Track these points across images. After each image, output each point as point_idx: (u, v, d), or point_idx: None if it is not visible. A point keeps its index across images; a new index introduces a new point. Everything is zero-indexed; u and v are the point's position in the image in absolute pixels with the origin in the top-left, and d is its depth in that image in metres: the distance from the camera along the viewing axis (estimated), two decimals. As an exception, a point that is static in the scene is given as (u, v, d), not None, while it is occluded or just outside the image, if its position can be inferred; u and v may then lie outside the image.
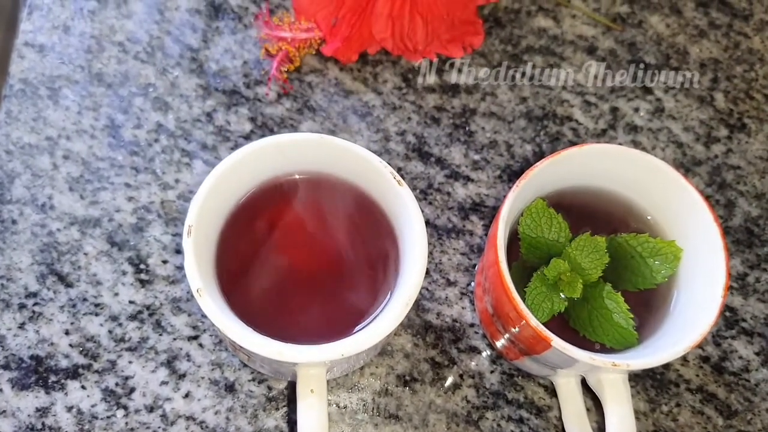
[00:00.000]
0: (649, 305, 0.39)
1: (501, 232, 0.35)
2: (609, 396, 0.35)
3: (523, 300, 0.37)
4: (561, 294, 0.38)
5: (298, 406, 0.33)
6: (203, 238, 0.34)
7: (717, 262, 0.36)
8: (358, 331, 0.35)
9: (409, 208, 0.35)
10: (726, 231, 0.48)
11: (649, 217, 0.40)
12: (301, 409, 0.33)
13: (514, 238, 0.40)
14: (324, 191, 0.38)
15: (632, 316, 0.37)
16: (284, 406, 0.41)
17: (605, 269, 0.38)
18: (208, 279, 0.34)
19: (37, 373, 0.41)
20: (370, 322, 0.35)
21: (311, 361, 0.32)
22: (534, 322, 0.34)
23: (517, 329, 0.37)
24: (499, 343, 0.42)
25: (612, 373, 0.35)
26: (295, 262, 0.37)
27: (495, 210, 0.48)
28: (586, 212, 0.41)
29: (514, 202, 0.36)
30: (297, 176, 0.38)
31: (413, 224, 0.35)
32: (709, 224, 0.37)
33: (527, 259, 0.39)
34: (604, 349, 0.38)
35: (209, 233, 0.35)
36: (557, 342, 0.33)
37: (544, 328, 0.34)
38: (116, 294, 0.43)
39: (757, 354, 0.45)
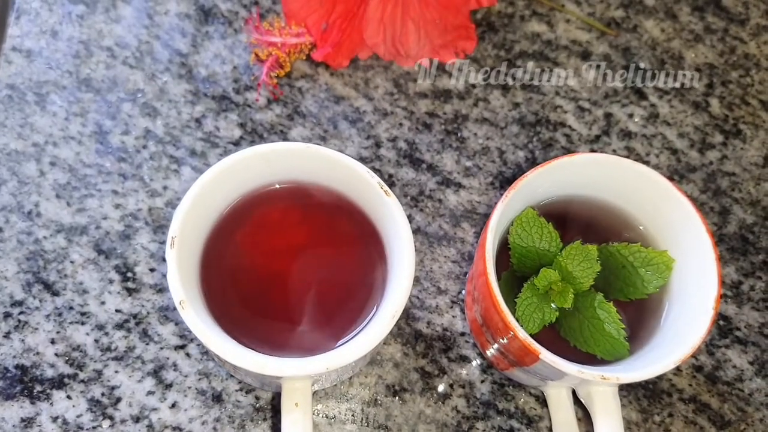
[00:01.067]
0: (640, 316, 0.38)
1: (489, 242, 0.35)
2: (599, 409, 0.34)
3: (514, 310, 0.37)
4: (552, 304, 0.37)
5: (283, 420, 0.32)
6: (187, 249, 0.34)
7: (709, 274, 0.35)
8: (344, 342, 0.34)
9: (396, 219, 0.35)
10: (720, 238, 0.48)
11: (641, 227, 0.40)
12: (286, 424, 0.32)
13: (504, 248, 0.39)
14: (311, 201, 0.38)
15: (624, 326, 0.36)
16: (272, 416, 0.41)
17: (596, 279, 0.37)
18: (192, 290, 0.34)
19: (22, 383, 0.41)
20: (357, 335, 0.35)
21: (296, 374, 0.31)
22: (522, 334, 0.34)
23: (505, 340, 0.36)
24: (489, 353, 0.41)
25: (602, 386, 0.34)
26: (281, 273, 0.37)
27: (487, 217, 0.47)
28: (578, 222, 0.40)
29: (503, 212, 0.36)
30: (283, 186, 0.37)
31: (401, 235, 0.34)
32: (702, 235, 0.36)
33: (518, 269, 0.39)
34: (595, 361, 0.37)
35: (193, 244, 0.35)
36: (546, 355, 0.33)
37: (533, 341, 0.33)
38: (103, 302, 0.43)
39: (751, 363, 0.45)
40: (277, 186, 0.37)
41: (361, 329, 0.35)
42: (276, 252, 0.37)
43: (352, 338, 0.34)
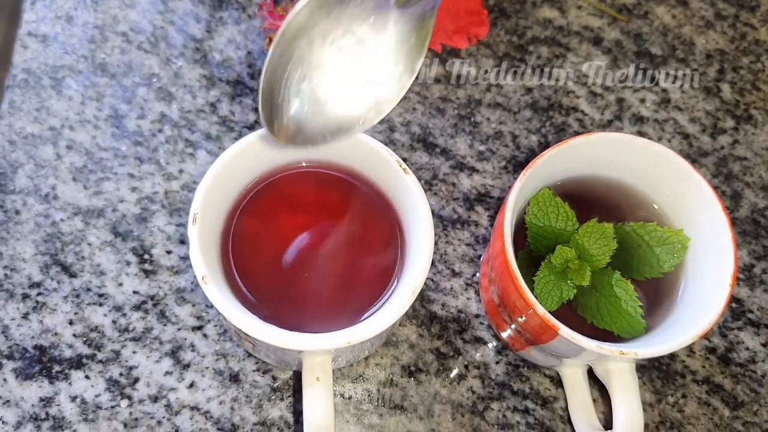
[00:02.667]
0: (656, 295, 0.39)
1: (507, 221, 0.35)
2: (616, 385, 0.34)
3: (531, 289, 0.37)
4: (569, 282, 0.38)
5: (304, 394, 0.33)
6: (208, 226, 0.34)
7: (725, 252, 0.36)
8: (364, 319, 0.35)
9: (414, 195, 0.35)
10: (732, 222, 0.48)
11: (656, 206, 0.40)
12: (307, 398, 0.32)
13: (520, 228, 0.39)
14: (330, 180, 0.38)
15: (641, 304, 0.37)
16: (289, 396, 0.41)
17: (612, 258, 0.38)
18: (213, 267, 0.34)
19: (41, 363, 0.41)
20: (377, 311, 0.35)
21: (316, 348, 0.32)
22: (541, 310, 0.34)
23: (523, 318, 0.36)
24: (505, 334, 0.41)
25: (620, 362, 0.35)
26: (301, 251, 0.37)
27: (500, 201, 0.47)
28: (593, 201, 0.40)
29: (520, 191, 0.36)
30: (303, 165, 0.38)
31: (419, 212, 0.35)
32: (717, 213, 0.36)
33: (534, 249, 0.39)
34: (612, 338, 0.37)
35: (215, 221, 0.35)
36: (564, 330, 0.33)
37: (552, 317, 0.34)
38: (120, 284, 0.43)
39: (764, 345, 0.45)
40: (298, 165, 0.38)
41: (381, 306, 0.35)
42: (296, 230, 0.37)
43: (372, 314, 0.35)
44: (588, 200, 0.40)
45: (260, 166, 0.37)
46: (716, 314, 0.34)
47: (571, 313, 0.38)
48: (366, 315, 0.35)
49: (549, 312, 0.37)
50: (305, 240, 0.37)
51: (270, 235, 0.37)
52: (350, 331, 0.32)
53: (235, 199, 0.36)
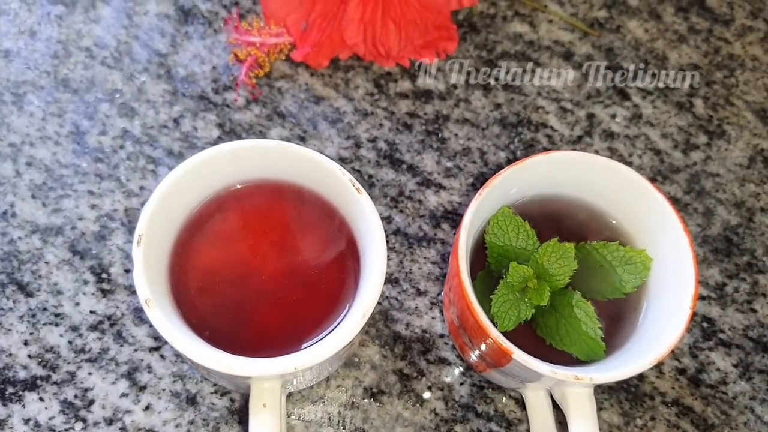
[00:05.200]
0: (618, 316, 0.38)
1: (462, 241, 0.34)
2: (573, 410, 0.34)
3: (490, 308, 0.36)
4: (527, 301, 0.37)
5: (250, 421, 0.32)
6: (156, 247, 0.33)
7: (686, 272, 0.35)
8: (316, 343, 0.34)
9: (368, 216, 0.34)
10: (704, 240, 0.47)
11: (617, 225, 0.39)
12: (253, 426, 0.32)
13: (482, 248, 0.39)
14: (283, 199, 0.37)
15: (600, 325, 0.36)
16: (247, 419, 0.40)
17: (573, 278, 0.37)
18: (160, 289, 0.33)
19: (-6, 384, 0.40)
20: (328, 335, 0.34)
21: (263, 374, 0.31)
22: (495, 333, 0.33)
23: (481, 341, 0.36)
24: (468, 355, 0.41)
25: (576, 387, 0.34)
26: (254, 273, 0.36)
27: (467, 218, 0.47)
28: (555, 220, 0.40)
29: (476, 210, 0.35)
30: (255, 184, 0.37)
31: (373, 233, 0.34)
32: (679, 233, 0.36)
33: (495, 269, 0.38)
34: (572, 361, 0.37)
35: (162, 242, 0.34)
36: (518, 354, 0.32)
37: (505, 340, 0.33)
38: (77, 304, 0.42)
39: (735, 366, 0.44)
40: (250, 184, 0.37)
41: (334, 329, 0.35)
42: (248, 251, 0.36)
43: (322, 338, 0.34)
44: (549, 219, 0.40)
45: (211, 186, 0.36)
46: (675, 338, 0.33)
47: (531, 335, 0.38)
48: (319, 338, 0.35)
49: (508, 332, 0.36)
50: (259, 261, 0.36)
51: (222, 256, 0.36)
52: (297, 356, 0.31)
53: (186, 219, 0.36)
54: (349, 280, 0.36)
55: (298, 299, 0.36)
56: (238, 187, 0.37)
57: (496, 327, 0.35)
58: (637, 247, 0.38)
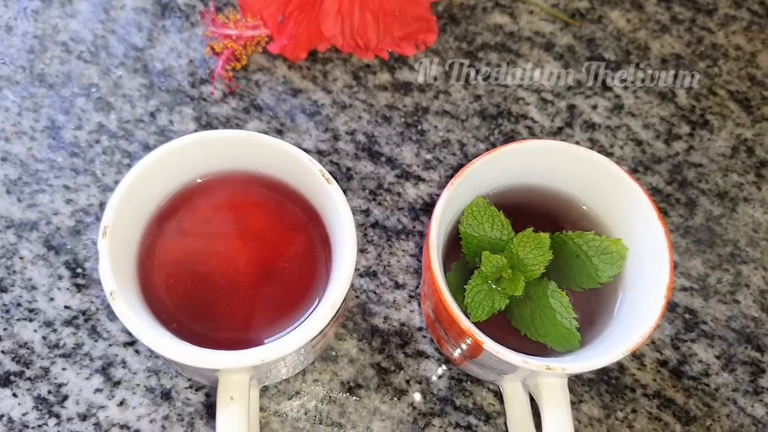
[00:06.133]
0: (593, 306, 0.37)
1: (434, 232, 0.34)
2: (546, 401, 0.33)
3: (464, 299, 0.36)
4: (501, 290, 0.36)
5: (217, 415, 0.31)
6: (122, 239, 0.33)
7: (662, 261, 0.34)
8: (283, 335, 0.33)
9: (338, 207, 0.34)
10: (687, 230, 0.47)
11: (592, 215, 0.39)
12: (221, 419, 0.31)
13: (457, 239, 0.38)
14: (253, 190, 0.37)
15: (576, 316, 0.35)
16: (221, 414, 0.40)
17: (548, 268, 0.36)
18: (128, 282, 0.33)
19: (-34, 381, 0.40)
20: (297, 327, 0.34)
21: (229, 366, 0.30)
22: (466, 324, 0.33)
23: (454, 333, 0.35)
24: (445, 348, 0.40)
25: (549, 377, 0.33)
26: (223, 265, 0.36)
27: (446, 210, 0.46)
28: (530, 211, 0.39)
29: (448, 201, 0.35)
30: (224, 175, 0.37)
31: (343, 224, 0.33)
32: (654, 221, 0.35)
33: (469, 260, 0.38)
34: (547, 352, 0.36)
35: (130, 234, 0.34)
36: (489, 344, 0.32)
37: (477, 330, 0.32)
38: (51, 299, 0.42)
39: (718, 357, 0.44)
40: (218, 175, 0.37)
41: (304, 321, 0.34)
42: (217, 243, 0.36)
43: (291, 330, 0.33)
44: (525, 209, 0.39)
45: (179, 177, 0.36)
46: (650, 327, 0.33)
47: (506, 326, 0.37)
48: (289, 330, 0.34)
49: (482, 323, 0.36)
50: (228, 254, 0.36)
51: (191, 248, 0.36)
52: (263, 349, 0.31)
53: (153, 211, 0.35)
54: (320, 272, 0.36)
55: (268, 292, 0.35)
56: (207, 178, 0.37)
57: (469, 318, 0.35)
58: (613, 236, 0.37)
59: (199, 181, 0.37)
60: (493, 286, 0.37)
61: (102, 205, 0.44)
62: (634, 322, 0.34)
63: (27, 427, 0.39)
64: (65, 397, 0.40)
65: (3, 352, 0.40)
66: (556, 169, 0.38)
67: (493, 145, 0.48)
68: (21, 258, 0.43)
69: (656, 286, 0.34)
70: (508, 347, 0.33)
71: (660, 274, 0.34)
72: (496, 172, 0.37)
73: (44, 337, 0.41)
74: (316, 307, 0.34)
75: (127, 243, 0.34)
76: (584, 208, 0.39)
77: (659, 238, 0.35)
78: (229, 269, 0.36)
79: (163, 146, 0.34)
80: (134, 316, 0.31)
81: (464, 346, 0.35)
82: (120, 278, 0.32)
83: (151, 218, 0.35)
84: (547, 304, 0.36)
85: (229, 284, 0.35)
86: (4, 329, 0.41)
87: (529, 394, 0.39)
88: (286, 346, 0.31)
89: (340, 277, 0.32)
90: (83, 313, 0.42)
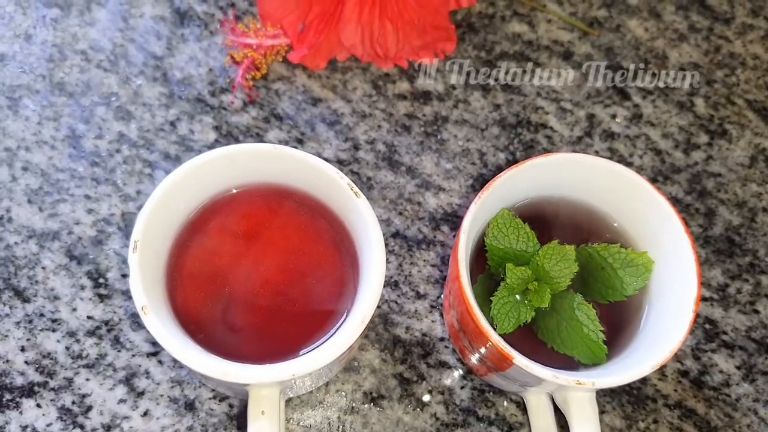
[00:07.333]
0: (619, 319, 0.37)
1: (462, 245, 0.34)
2: (575, 415, 0.33)
3: (490, 311, 0.36)
4: (527, 302, 0.36)
5: (249, 429, 0.31)
6: (152, 253, 0.33)
7: (689, 275, 0.35)
8: (313, 349, 0.33)
9: (366, 220, 0.34)
10: (706, 240, 0.47)
11: (619, 228, 0.39)
12: (251, 432, 0.31)
13: (482, 251, 0.38)
14: (280, 204, 0.37)
15: (602, 328, 0.35)
16: (245, 425, 0.40)
17: (574, 280, 0.36)
18: (157, 296, 0.33)
19: (-10, 392, 0.40)
20: (326, 341, 0.34)
21: (259, 381, 0.30)
22: (495, 338, 0.33)
23: (481, 345, 0.35)
24: (468, 359, 0.40)
25: (578, 392, 0.34)
26: (251, 278, 0.36)
27: (467, 220, 0.46)
28: (555, 223, 0.39)
29: (476, 214, 0.35)
30: (252, 188, 0.37)
31: (371, 237, 0.33)
32: (681, 235, 0.35)
33: (495, 272, 0.38)
34: (574, 365, 0.36)
35: (159, 248, 0.34)
36: (519, 359, 0.32)
37: (506, 345, 0.32)
38: (74, 309, 0.42)
39: (738, 368, 0.44)
40: (246, 188, 0.37)
41: (332, 335, 0.34)
42: (245, 256, 0.36)
43: (320, 345, 0.33)
44: (550, 221, 0.39)
45: (207, 190, 0.36)
46: (678, 342, 0.33)
47: (532, 338, 0.37)
48: (317, 344, 0.34)
49: (508, 334, 0.36)
50: (256, 267, 0.36)
51: (219, 261, 0.36)
52: (295, 363, 0.31)
53: (182, 224, 0.35)
54: (348, 285, 0.36)
55: (296, 304, 0.35)
56: (234, 191, 0.37)
57: (495, 329, 0.35)
58: (638, 249, 0.38)
59: (226, 194, 0.37)
60: (519, 299, 0.37)
61: (123, 215, 0.44)
62: (662, 335, 0.34)
63: (51, 438, 0.39)
64: (89, 408, 0.40)
65: (27, 362, 0.40)
66: (581, 181, 0.38)
67: (513, 155, 0.48)
68: (43, 268, 0.43)
69: (683, 300, 0.34)
70: (534, 359, 0.33)
71: (687, 287, 0.34)
72: (522, 185, 0.38)
73: (67, 348, 0.41)
74: (344, 320, 0.34)
75: (156, 256, 0.34)
76: (610, 220, 0.39)
77: (686, 251, 0.35)
78: (256, 282, 0.36)
79: (191, 160, 0.34)
80: (165, 330, 0.31)
81: (490, 359, 0.36)
82: (150, 291, 0.32)
83: (179, 231, 0.35)
84: (574, 316, 0.36)
85: (255, 296, 0.35)
86: (28, 339, 0.41)
87: (553, 405, 0.39)
88: (318, 359, 0.31)
89: (370, 291, 0.32)
90: (106, 323, 0.42)
